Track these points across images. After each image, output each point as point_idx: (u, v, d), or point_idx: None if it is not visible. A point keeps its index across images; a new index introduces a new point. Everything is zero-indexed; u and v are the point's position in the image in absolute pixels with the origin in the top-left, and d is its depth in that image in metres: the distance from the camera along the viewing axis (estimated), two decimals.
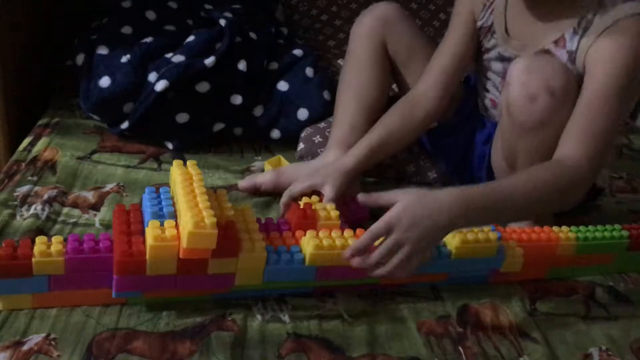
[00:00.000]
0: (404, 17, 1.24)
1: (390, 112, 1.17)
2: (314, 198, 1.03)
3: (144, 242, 0.82)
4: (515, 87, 0.98)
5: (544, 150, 1.00)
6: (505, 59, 1.12)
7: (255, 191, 1.16)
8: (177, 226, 0.83)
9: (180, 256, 0.81)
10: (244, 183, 1.16)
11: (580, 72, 1.02)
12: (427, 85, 1.16)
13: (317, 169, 1.13)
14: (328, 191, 1.06)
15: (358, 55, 1.23)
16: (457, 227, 0.89)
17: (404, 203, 0.84)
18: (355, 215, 1.07)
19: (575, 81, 0.99)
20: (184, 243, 0.80)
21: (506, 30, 1.11)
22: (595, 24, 1.00)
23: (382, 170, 1.27)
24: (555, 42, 1.04)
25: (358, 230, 0.94)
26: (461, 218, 0.86)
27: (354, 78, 1.23)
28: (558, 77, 0.97)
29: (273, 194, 1.15)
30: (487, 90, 1.18)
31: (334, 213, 0.98)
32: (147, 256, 0.80)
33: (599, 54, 0.98)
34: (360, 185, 1.19)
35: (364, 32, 1.23)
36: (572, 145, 0.96)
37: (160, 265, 0.82)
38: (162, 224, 0.82)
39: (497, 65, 1.14)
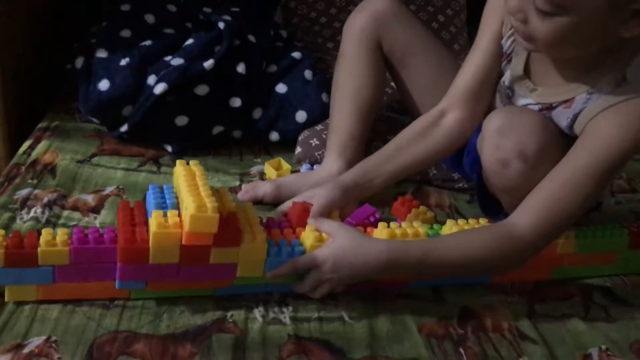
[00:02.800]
0: (400, 11, 1.18)
1: (406, 136, 1.08)
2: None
3: (147, 232, 0.83)
4: (488, 149, 0.95)
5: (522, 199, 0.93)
6: (510, 95, 1.04)
7: (256, 202, 1.13)
8: (179, 215, 0.84)
9: (183, 242, 0.82)
10: (244, 195, 1.13)
11: (575, 135, 0.94)
12: (451, 105, 1.07)
13: (318, 182, 1.11)
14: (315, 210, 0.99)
15: (351, 56, 1.20)
16: (377, 277, 0.94)
17: (334, 247, 0.89)
18: (360, 217, 1.06)
19: (554, 141, 0.94)
20: (186, 226, 0.80)
21: (525, 68, 1.01)
22: (609, 95, 0.90)
23: None
24: (565, 102, 0.96)
25: (369, 229, 0.96)
26: (384, 274, 0.92)
27: (349, 81, 1.19)
28: (534, 139, 0.92)
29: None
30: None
31: (335, 212, 0.97)
32: (150, 243, 0.81)
33: (597, 131, 0.89)
34: None
35: (357, 31, 1.18)
36: (527, 216, 0.89)
37: (163, 253, 0.82)
38: (165, 214, 0.83)
39: (501, 96, 1.07)
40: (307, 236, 0.90)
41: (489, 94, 1.08)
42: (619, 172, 0.92)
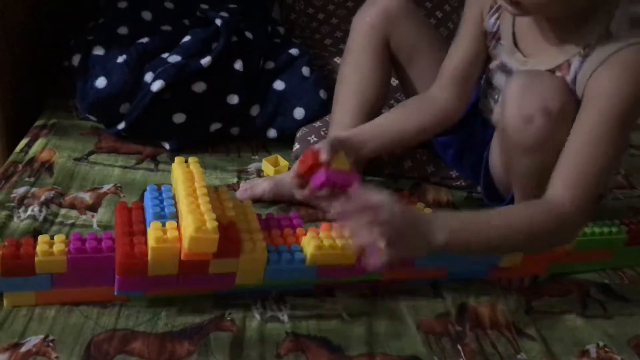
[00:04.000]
0: (409, 9, 1.18)
1: (398, 108, 1.14)
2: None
3: (145, 242, 0.82)
4: (511, 107, 0.95)
5: (543, 171, 0.96)
6: (507, 71, 1.07)
7: (255, 200, 1.12)
8: (178, 227, 0.83)
9: (182, 258, 0.82)
10: (242, 194, 1.13)
11: (578, 97, 0.96)
12: (440, 87, 1.12)
13: None
14: (321, 146, 0.97)
15: (358, 52, 1.19)
16: (434, 243, 0.84)
17: (399, 206, 0.82)
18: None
19: (574, 102, 0.95)
20: (185, 247, 0.80)
21: (514, 40, 1.05)
22: (598, 51, 0.94)
23: (379, 167, 1.27)
24: (560, 68, 0.98)
25: None
26: (440, 234, 0.83)
27: (354, 77, 1.19)
28: (556, 97, 0.93)
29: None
30: (492, 97, 1.13)
31: (343, 157, 0.96)
32: (149, 257, 0.81)
33: (598, 88, 0.92)
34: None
35: (365, 27, 1.18)
36: (560, 188, 0.90)
37: (161, 266, 0.82)
38: (163, 225, 0.82)
39: (499, 77, 1.09)
40: (308, 242, 0.89)
41: (475, 76, 1.13)
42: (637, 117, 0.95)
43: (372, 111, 1.18)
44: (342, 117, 1.18)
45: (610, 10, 0.94)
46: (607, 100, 0.90)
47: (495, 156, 1.11)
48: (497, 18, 1.07)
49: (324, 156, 0.94)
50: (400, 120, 1.12)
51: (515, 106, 0.95)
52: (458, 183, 1.28)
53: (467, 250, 0.89)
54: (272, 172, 1.21)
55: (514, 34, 1.05)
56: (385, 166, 1.28)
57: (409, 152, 1.28)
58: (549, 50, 0.99)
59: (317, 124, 1.32)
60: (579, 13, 0.94)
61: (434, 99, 1.12)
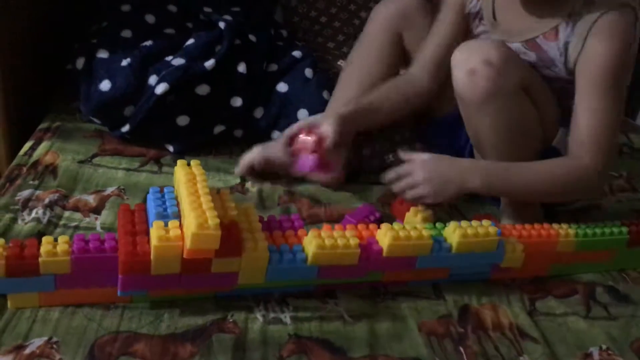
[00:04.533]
0: (425, 10, 1.24)
1: (385, 84, 1.20)
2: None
3: (148, 242, 0.83)
4: (458, 69, 1.02)
5: (501, 127, 1.04)
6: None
7: (251, 172, 1.19)
8: (181, 226, 0.84)
9: (185, 256, 0.82)
10: (238, 169, 1.19)
11: (570, 67, 1.06)
12: (419, 67, 1.20)
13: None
14: (327, 128, 1.09)
15: (370, 40, 1.26)
16: (470, 187, 1.03)
17: (420, 162, 1.04)
18: (360, 216, 1.09)
19: (517, 57, 1.05)
20: (187, 244, 0.80)
21: (494, 16, 1.13)
22: (584, 18, 1.03)
23: (383, 166, 1.26)
24: (544, 35, 1.07)
25: (360, 226, 0.96)
26: (474, 180, 1.03)
27: (362, 58, 1.26)
28: (494, 49, 1.00)
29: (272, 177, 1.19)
30: None
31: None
32: (152, 256, 0.81)
33: (591, 54, 1.02)
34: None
35: (380, 20, 1.25)
36: (580, 146, 1.03)
37: (164, 265, 0.83)
38: (166, 224, 0.83)
39: None
40: (309, 242, 0.90)
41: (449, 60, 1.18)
42: (629, 71, 1.07)
43: (374, 87, 1.23)
44: (343, 91, 1.24)
45: None
46: (599, 65, 1.02)
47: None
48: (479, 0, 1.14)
49: (330, 141, 1.08)
50: (391, 98, 1.19)
51: (461, 65, 1.02)
52: None
53: (499, 194, 1.07)
54: None
55: (493, 10, 1.12)
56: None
57: (411, 151, 1.28)
58: (532, 20, 1.08)
59: None
60: None
61: (414, 76, 1.21)
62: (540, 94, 1.09)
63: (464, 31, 1.18)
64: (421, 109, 1.24)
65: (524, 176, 1.05)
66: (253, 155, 1.18)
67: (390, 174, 1.06)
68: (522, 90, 1.04)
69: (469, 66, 1.00)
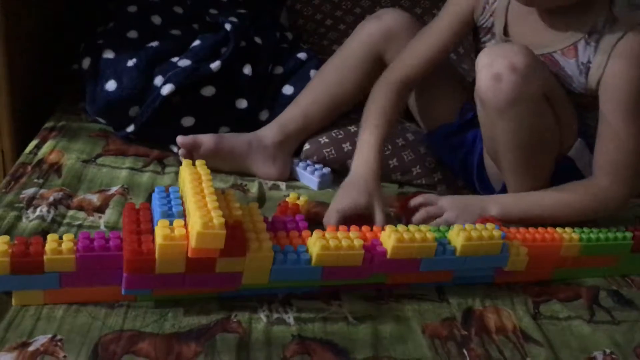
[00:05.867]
0: (411, 28, 1.23)
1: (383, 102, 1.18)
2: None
3: (153, 241, 0.83)
4: (484, 73, 1.01)
5: (520, 134, 1.04)
6: None
7: (193, 149, 1.16)
8: (185, 225, 0.84)
9: (189, 255, 0.82)
10: (184, 139, 1.16)
11: (591, 86, 1.06)
12: (414, 71, 1.18)
13: (251, 141, 1.21)
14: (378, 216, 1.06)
15: (348, 55, 1.26)
16: (490, 214, 1.07)
17: (444, 197, 1.11)
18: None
19: (542, 64, 1.04)
20: (192, 243, 0.81)
21: (505, 32, 1.12)
22: (606, 37, 1.02)
23: (387, 173, 1.27)
24: (562, 51, 1.05)
25: (364, 228, 0.96)
26: (494, 208, 1.08)
27: (334, 76, 1.25)
28: (520, 55, 0.99)
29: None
30: None
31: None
32: (157, 255, 0.81)
33: (615, 78, 1.03)
34: None
35: (363, 36, 1.24)
36: (604, 174, 1.07)
37: (169, 264, 0.83)
38: (171, 223, 0.83)
39: None
40: (314, 243, 0.90)
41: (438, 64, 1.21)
42: None
43: (339, 111, 1.27)
44: (311, 108, 1.25)
45: None
46: (624, 90, 1.02)
47: (487, 156, 1.16)
48: (492, 15, 1.13)
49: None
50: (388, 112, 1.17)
51: (486, 70, 1.01)
52: (464, 192, 1.28)
53: (517, 221, 1.06)
54: None
55: (506, 25, 1.12)
56: (393, 172, 1.28)
57: (417, 158, 1.29)
58: (548, 35, 1.08)
59: None
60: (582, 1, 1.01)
61: (397, 64, 1.19)
62: (560, 102, 1.08)
63: (460, 40, 1.21)
64: (428, 115, 1.24)
65: (543, 202, 1.09)
66: (206, 139, 1.17)
67: (420, 214, 1.09)
68: (544, 96, 1.04)
69: (494, 71, 1.00)
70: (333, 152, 1.27)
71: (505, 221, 1.04)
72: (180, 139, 1.16)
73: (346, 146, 1.27)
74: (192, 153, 1.16)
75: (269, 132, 1.24)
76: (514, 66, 0.98)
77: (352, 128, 1.29)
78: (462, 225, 0.96)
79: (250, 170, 1.23)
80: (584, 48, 1.03)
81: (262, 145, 1.21)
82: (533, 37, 1.08)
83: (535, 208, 1.08)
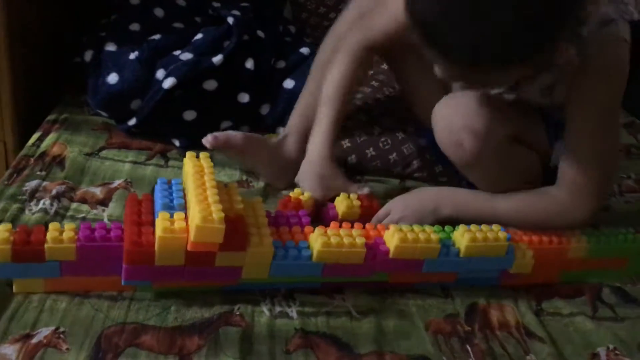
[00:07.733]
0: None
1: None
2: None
3: (153, 232, 0.83)
4: (442, 132, 1.02)
5: (493, 178, 1.05)
6: None
7: (223, 145, 1.12)
8: (186, 218, 0.83)
9: (188, 249, 0.82)
10: (212, 137, 1.10)
11: (557, 101, 1.02)
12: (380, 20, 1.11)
13: (273, 146, 1.18)
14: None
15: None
16: (443, 213, 1.05)
17: (398, 198, 1.09)
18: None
19: (499, 112, 1.00)
20: (191, 236, 0.80)
21: None
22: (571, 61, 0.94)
23: (388, 167, 1.27)
24: (519, 82, 1.02)
25: (367, 225, 0.96)
26: (447, 207, 1.06)
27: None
28: (478, 115, 0.98)
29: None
30: None
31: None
32: (156, 247, 0.81)
33: (579, 95, 0.97)
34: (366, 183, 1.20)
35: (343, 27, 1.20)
36: (569, 189, 1.01)
37: (168, 256, 0.82)
38: (171, 216, 0.83)
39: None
40: (315, 239, 0.90)
41: None
42: (619, 111, 1.05)
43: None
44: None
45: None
46: (588, 106, 0.97)
47: None
48: None
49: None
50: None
51: (446, 133, 1.01)
52: (465, 182, 1.27)
53: (471, 220, 1.00)
54: None
55: None
56: (394, 166, 1.28)
57: (417, 151, 1.28)
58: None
59: None
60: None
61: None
62: (529, 134, 1.06)
63: None
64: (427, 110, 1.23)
65: (497, 207, 1.04)
66: (237, 136, 1.13)
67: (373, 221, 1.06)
68: (511, 137, 1.03)
69: (454, 138, 0.99)
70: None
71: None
72: (211, 138, 1.11)
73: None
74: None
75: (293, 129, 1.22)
76: (473, 130, 0.97)
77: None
78: (466, 227, 0.95)
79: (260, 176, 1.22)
80: (542, 76, 1.00)
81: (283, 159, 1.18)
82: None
83: (487, 211, 1.04)
